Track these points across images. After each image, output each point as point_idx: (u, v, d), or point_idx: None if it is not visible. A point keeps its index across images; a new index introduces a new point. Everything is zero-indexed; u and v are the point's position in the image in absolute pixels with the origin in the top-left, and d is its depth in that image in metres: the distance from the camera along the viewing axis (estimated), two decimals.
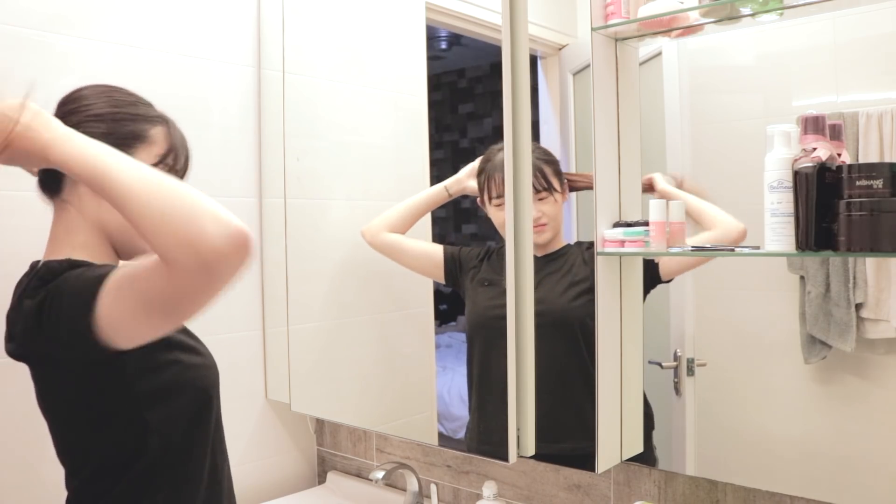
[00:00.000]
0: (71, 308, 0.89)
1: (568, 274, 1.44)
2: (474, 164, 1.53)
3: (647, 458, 1.37)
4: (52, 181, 1.02)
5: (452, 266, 1.59)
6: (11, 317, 0.99)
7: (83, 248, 1.00)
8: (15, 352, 0.98)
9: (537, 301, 1.38)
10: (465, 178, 1.55)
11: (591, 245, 1.34)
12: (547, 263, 1.45)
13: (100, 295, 0.86)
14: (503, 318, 1.36)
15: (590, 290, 1.31)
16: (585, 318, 1.33)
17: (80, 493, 1.03)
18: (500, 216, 1.40)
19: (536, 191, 1.40)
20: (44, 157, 0.87)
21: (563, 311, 1.42)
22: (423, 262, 1.64)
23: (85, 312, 0.86)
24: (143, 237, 0.83)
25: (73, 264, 0.95)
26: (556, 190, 1.43)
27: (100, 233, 1.03)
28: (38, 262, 1.00)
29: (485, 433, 1.57)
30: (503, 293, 1.37)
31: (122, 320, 0.87)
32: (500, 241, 1.41)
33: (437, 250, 1.61)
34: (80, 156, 0.86)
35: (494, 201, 1.45)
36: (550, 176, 1.43)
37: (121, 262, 1.04)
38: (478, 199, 1.51)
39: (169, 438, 1.02)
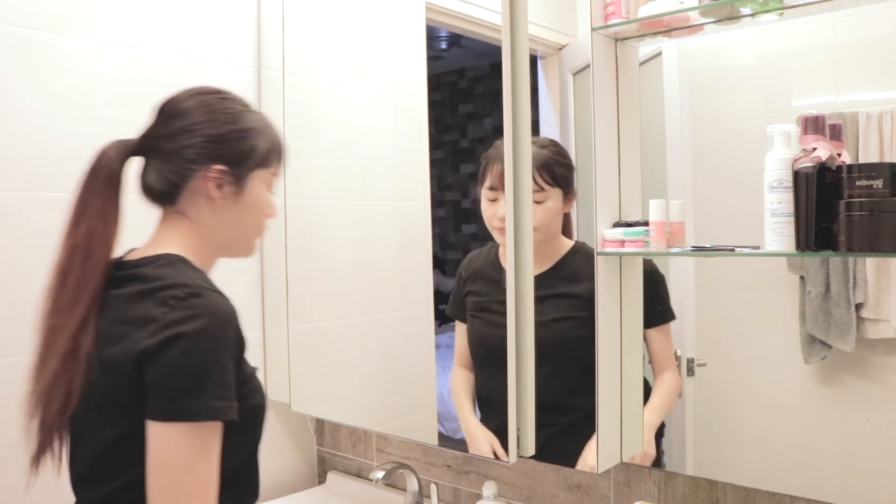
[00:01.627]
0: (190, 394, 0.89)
1: (570, 297, 1.41)
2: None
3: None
4: (168, 193, 1.02)
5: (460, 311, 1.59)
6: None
7: (191, 252, 1.02)
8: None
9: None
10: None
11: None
12: (554, 282, 1.41)
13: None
14: (500, 347, 1.35)
15: (586, 316, 1.30)
16: (580, 346, 1.30)
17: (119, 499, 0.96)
18: (490, 210, 1.41)
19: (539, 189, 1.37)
20: None
21: (552, 338, 1.39)
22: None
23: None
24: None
25: (220, 296, 0.95)
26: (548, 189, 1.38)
27: (208, 242, 1.05)
28: (164, 254, 0.99)
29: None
30: (496, 317, 1.34)
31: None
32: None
33: (461, 327, 1.59)
34: None
35: (486, 193, 1.43)
36: (556, 175, 1.38)
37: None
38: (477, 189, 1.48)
39: (243, 456, 1.01)
